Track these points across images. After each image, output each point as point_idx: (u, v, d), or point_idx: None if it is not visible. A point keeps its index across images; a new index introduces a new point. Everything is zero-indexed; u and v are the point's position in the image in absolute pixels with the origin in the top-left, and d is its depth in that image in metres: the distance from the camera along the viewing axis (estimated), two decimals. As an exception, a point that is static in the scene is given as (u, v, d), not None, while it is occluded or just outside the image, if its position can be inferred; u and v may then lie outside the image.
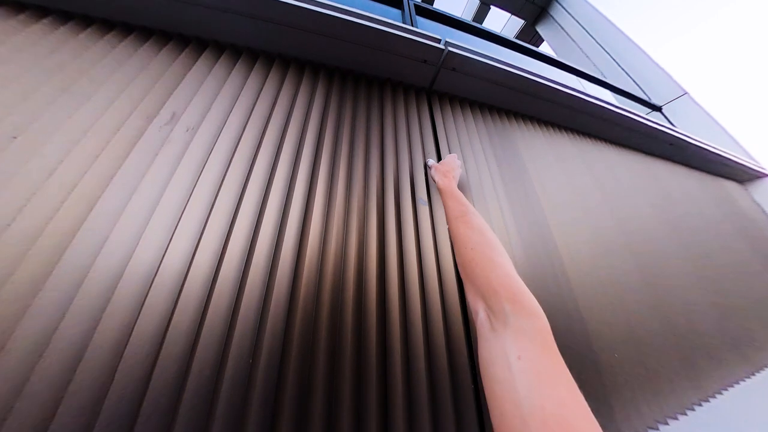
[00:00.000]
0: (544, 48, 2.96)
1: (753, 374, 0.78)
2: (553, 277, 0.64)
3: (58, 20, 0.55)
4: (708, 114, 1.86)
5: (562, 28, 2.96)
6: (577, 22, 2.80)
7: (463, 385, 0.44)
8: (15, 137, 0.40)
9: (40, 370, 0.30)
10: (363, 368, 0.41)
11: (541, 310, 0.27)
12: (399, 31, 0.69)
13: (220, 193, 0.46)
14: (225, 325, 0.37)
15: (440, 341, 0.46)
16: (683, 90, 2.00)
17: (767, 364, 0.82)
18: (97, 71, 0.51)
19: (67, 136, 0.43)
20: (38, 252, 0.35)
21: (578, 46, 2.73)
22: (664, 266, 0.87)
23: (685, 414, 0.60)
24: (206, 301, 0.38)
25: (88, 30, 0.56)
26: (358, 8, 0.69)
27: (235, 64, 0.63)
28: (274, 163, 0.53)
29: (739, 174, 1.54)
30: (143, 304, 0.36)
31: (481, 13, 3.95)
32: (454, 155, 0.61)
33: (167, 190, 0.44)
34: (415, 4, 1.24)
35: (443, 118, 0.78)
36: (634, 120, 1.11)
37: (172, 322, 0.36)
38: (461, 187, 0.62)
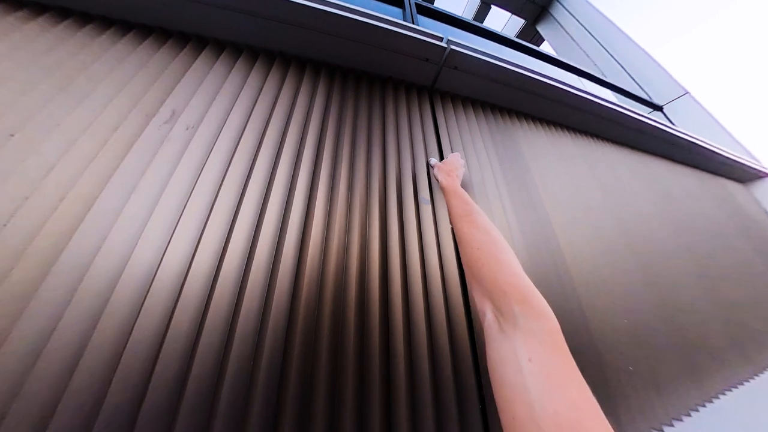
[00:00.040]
0: (545, 48, 2.95)
1: (756, 375, 0.78)
2: (556, 276, 0.63)
3: (56, 17, 0.54)
4: (709, 114, 1.86)
5: (563, 28, 2.95)
6: (578, 21, 2.79)
7: (467, 385, 0.44)
8: (12, 135, 0.40)
9: (38, 371, 0.29)
10: (366, 367, 0.40)
11: (551, 311, 0.26)
12: (401, 29, 0.68)
13: (220, 192, 0.46)
14: (226, 325, 0.37)
15: (444, 341, 0.45)
16: (684, 89, 2.00)
17: (770, 365, 0.82)
18: (96, 69, 0.50)
19: (65, 135, 0.42)
20: (36, 251, 0.34)
21: (579, 46, 2.72)
22: (666, 266, 0.86)
23: (689, 415, 0.60)
24: (207, 300, 0.38)
25: (87, 27, 0.55)
26: (359, 6, 0.68)
27: (235, 62, 0.63)
28: (275, 162, 0.52)
29: (740, 174, 1.54)
30: (143, 303, 0.35)
31: (481, 13, 3.94)
32: (457, 154, 0.60)
33: (167, 189, 0.43)
34: (416, 3, 1.23)
35: (445, 117, 0.78)
36: (636, 119, 1.10)
37: (173, 321, 0.35)
38: (464, 186, 0.61)
